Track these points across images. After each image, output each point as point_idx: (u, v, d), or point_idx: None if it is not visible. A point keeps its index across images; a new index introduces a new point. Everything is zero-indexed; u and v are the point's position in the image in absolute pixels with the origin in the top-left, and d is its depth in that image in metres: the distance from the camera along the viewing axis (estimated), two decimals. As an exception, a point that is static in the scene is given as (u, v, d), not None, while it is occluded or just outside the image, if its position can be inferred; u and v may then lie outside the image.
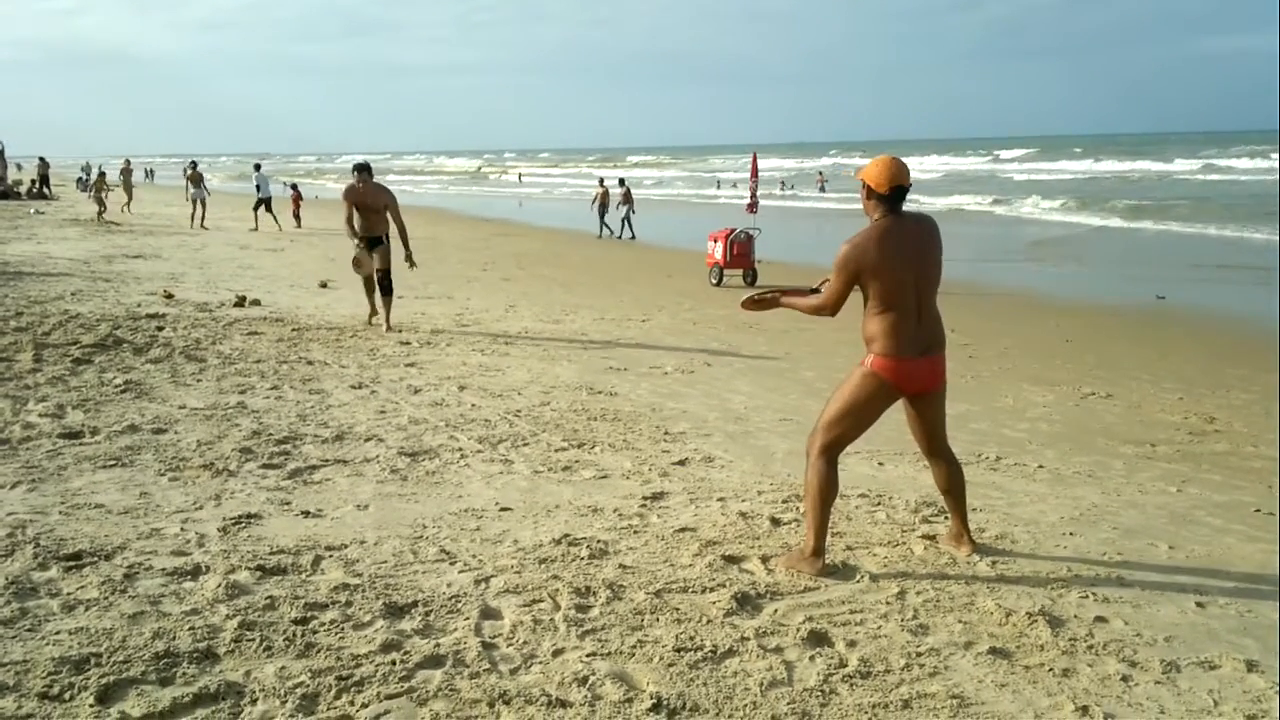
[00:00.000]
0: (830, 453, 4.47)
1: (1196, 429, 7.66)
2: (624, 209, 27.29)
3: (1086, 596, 4.25)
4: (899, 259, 4.28)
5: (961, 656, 3.68)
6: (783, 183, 54.99)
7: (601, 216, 27.99)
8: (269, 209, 27.26)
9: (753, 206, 18.42)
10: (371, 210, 10.82)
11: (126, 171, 33.73)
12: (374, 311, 11.15)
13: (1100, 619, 4.03)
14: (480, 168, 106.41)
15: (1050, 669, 3.60)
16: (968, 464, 6.36)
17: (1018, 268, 20.14)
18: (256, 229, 26.32)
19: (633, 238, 26.86)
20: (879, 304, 4.32)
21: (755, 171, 18.89)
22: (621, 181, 28.56)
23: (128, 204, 31.98)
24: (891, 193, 4.30)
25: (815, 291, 4.57)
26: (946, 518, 5.25)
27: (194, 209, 27.01)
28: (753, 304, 4.80)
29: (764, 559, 4.57)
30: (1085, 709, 3.31)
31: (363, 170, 10.92)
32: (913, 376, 4.38)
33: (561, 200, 50.41)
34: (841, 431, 4.47)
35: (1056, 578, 4.45)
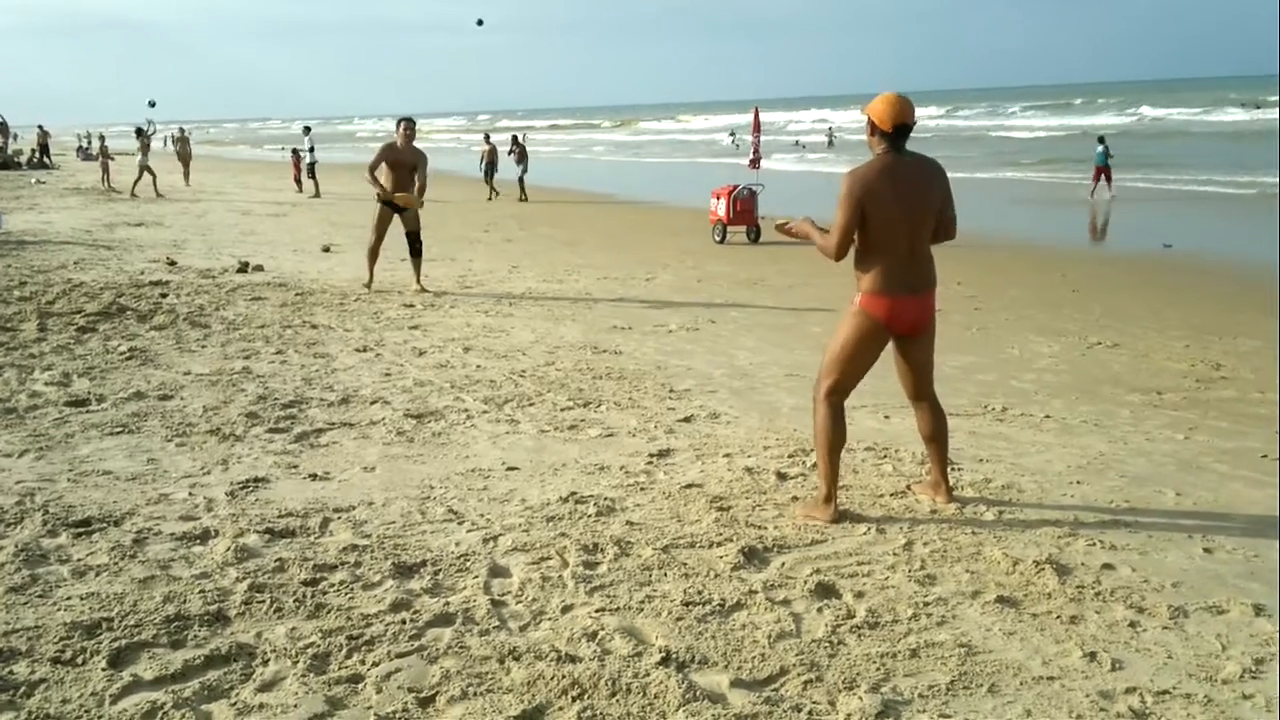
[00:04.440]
0: (833, 398, 4.50)
1: (1204, 376, 7.63)
2: (519, 168, 26.14)
3: (1094, 544, 4.25)
4: (898, 196, 4.28)
5: (969, 606, 3.69)
6: (798, 141, 53.50)
7: (488, 176, 26.82)
8: (312, 174, 27.10)
9: (755, 163, 18.28)
10: (404, 167, 10.66)
11: (182, 140, 31.23)
12: (371, 280, 11.05)
13: (1107, 566, 4.03)
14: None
15: (1058, 616, 3.61)
16: (974, 415, 6.38)
17: (1018, 218, 20.02)
18: (317, 194, 26.11)
19: (523, 199, 25.58)
20: (871, 241, 4.32)
21: (758, 127, 18.73)
22: (515, 139, 27.40)
23: (185, 175, 29.88)
24: (895, 130, 4.29)
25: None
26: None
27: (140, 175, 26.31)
28: (785, 230, 4.77)
29: (770, 511, 4.58)
30: (1093, 655, 3.32)
31: (408, 123, 10.82)
32: (902, 314, 4.39)
33: (565, 161, 50.14)
34: (840, 375, 4.48)
35: (1064, 526, 4.45)
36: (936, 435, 4.71)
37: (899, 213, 4.28)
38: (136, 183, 25.77)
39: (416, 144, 10.88)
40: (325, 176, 27.61)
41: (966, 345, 8.67)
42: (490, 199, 26.05)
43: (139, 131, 28.58)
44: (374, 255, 11.05)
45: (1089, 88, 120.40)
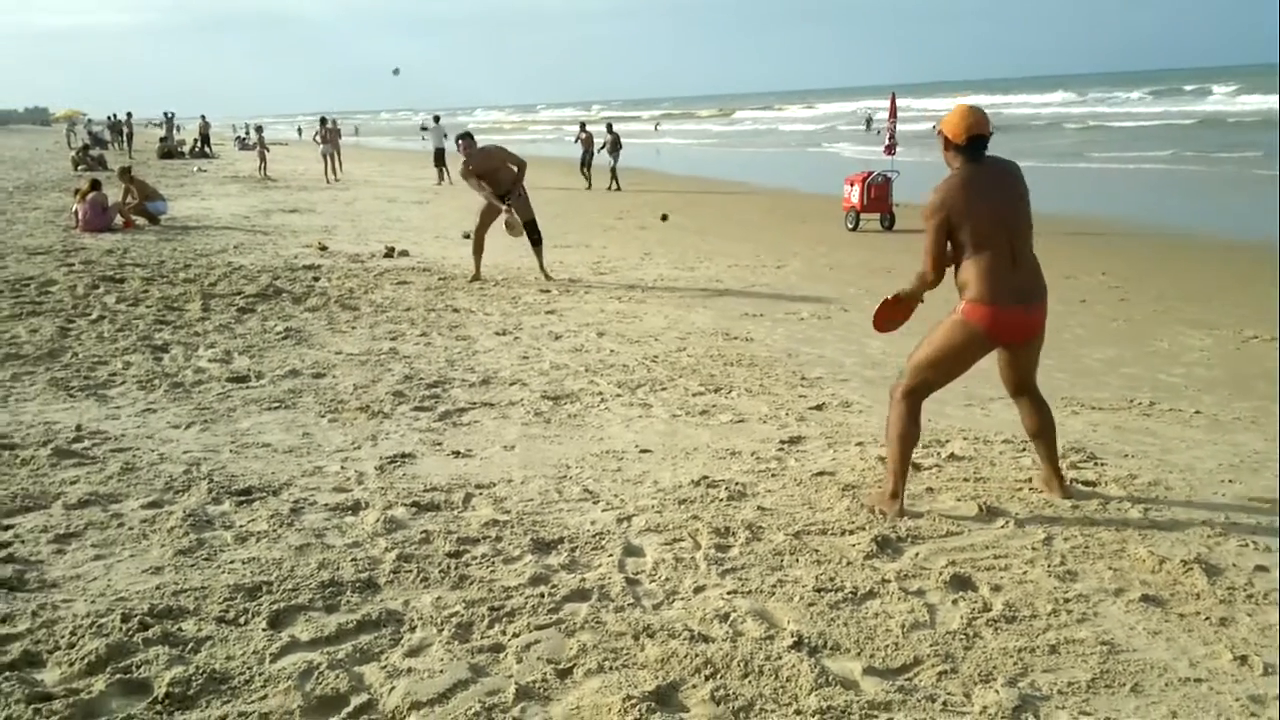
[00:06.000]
0: (913, 398, 4.40)
1: (1373, 374, 7.18)
2: (610, 159, 25.55)
3: (1246, 545, 4.08)
4: (989, 202, 4.18)
5: (1111, 603, 3.60)
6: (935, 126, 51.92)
7: (583, 165, 26.28)
8: (441, 161, 27.90)
9: (891, 148, 17.95)
10: (491, 172, 10.73)
11: (334, 133, 29.30)
12: (477, 275, 11.05)
13: (1261, 568, 3.87)
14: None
15: (1207, 617, 3.49)
16: (1119, 409, 6.18)
17: (1162, 207, 19.11)
18: (441, 182, 26.83)
19: (617, 189, 24.93)
20: (971, 249, 4.19)
21: (894, 112, 18.39)
22: (609, 127, 26.78)
23: (339, 167, 28.56)
24: (969, 142, 4.21)
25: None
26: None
27: (327, 163, 27.83)
28: (893, 325, 4.74)
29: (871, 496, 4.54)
30: (1244, 659, 3.21)
31: (464, 139, 10.92)
32: (1009, 327, 4.25)
33: (686, 150, 50.18)
34: (928, 379, 4.38)
35: (1214, 525, 4.28)
36: (1042, 430, 4.58)
37: (991, 217, 4.17)
38: (328, 169, 27.51)
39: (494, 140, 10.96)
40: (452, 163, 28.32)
41: (1111, 337, 8.37)
42: (589, 188, 25.64)
43: (323, 121, 29.82)
44: (479, 247, 11.08)
45: (1193, 73, 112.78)
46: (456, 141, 11.03)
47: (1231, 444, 5.50)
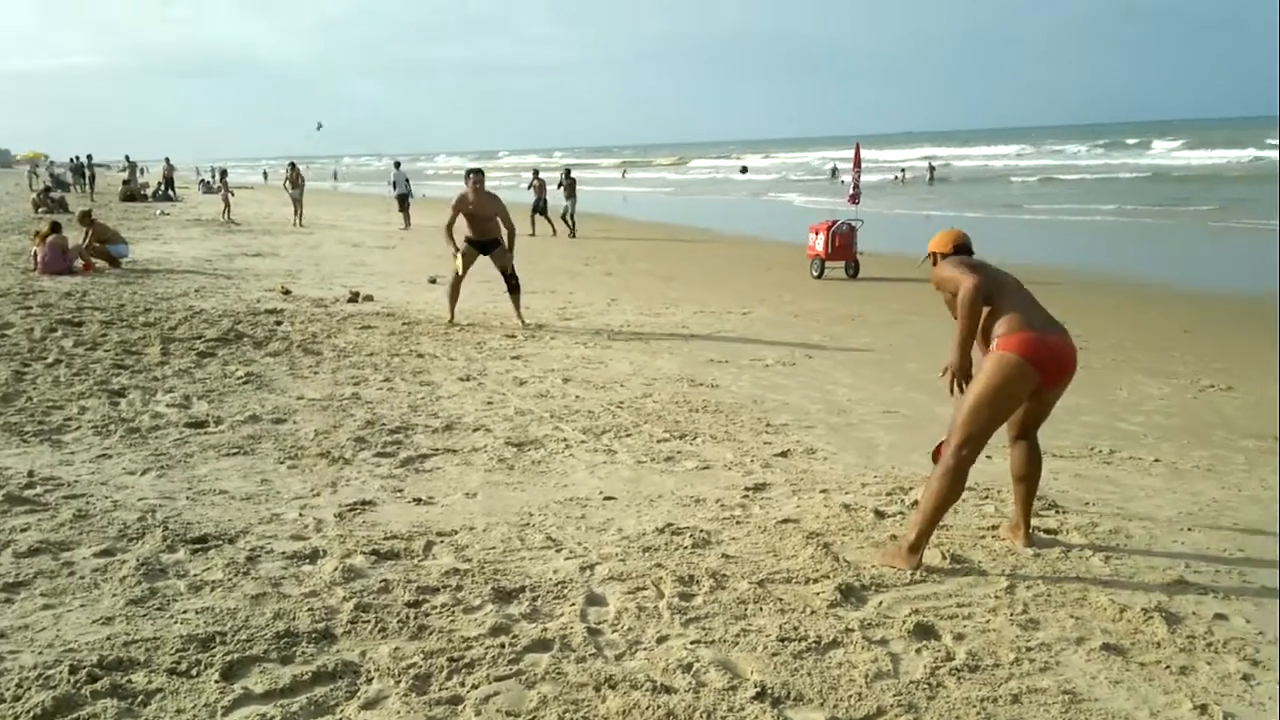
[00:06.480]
0: (962, 453, 4.23)
1: (1326, 423, 7.30)
2: (567, 204, 25.29)
3: (1206, 593, 4.12)
4: (991, 268, 4.45)
5: (1073, 652, 3.61)
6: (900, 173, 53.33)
7: (534, 211, 25.70)
8: (404, 206, 27.78)
9: (855, 198, 18.16)
10: (484, 218, 10.80)
11: (302, 179, 28.55)
12: (452, 320, 11.08)
13: (1220, 616, 3.90)
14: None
15: (1167, 666, 3.50)
16: (1080, 457, 6.23)
17: (1118, 257, 19.47)
18: (407, 227, 26.61)
19: (571, 234, 24.91)
20: (994, 302, 4.34)
21: (858, 162, 18.63)
22: (567, 173, 26.45)
23: (298, 216, 27.88)
24: (956, 250, 4.59)
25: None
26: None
27: (296, 208, 27.78)
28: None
29: (869, 549, 4.54)
30: (1204, 708, 3.22)
31: (477, 174, 10.92)
32: (1049, 352, 4.24)
33: (661, 196, 50.54)
34: (979, 425, 4.22)
35: (1174, 574, 4.31)
36: (1030, 475, 4.61)
37: (1001, 275, 4.45)
38: (297, 214, 27.42)
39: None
40: (417, 210, 28.34)
41: (1071, 385, 8.44)
42: (533, 234, 24.59)
43: (292, 166, 29.74)
44: (455, 293, 11.13)
45: (1136, 128, 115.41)
46: (467, 175, 10.97)
47: (1190, 492, 5.55)
